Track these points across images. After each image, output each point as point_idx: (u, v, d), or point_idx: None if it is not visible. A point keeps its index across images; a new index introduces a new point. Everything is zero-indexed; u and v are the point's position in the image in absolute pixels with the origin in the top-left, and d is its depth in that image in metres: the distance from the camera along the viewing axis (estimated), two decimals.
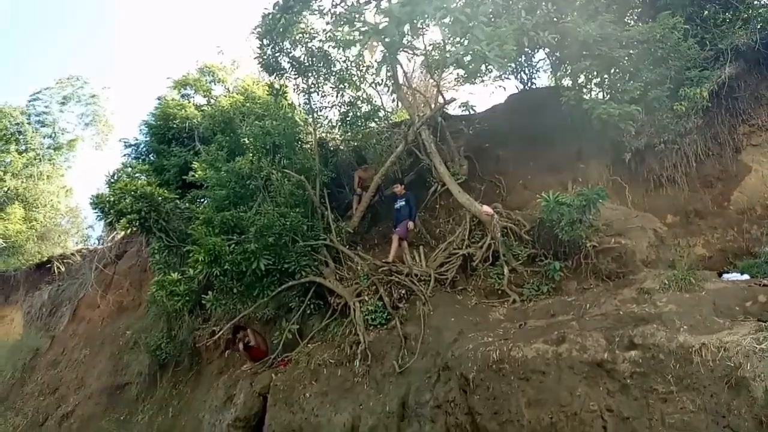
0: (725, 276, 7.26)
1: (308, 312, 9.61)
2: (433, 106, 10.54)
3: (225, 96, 17.46)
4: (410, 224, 9.66)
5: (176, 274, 9.73)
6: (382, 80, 11.94)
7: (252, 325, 10.54)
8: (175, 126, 16.16)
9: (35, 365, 16.54)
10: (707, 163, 9.28)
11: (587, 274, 7.87)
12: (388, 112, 13.41)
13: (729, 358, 5.32)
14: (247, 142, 10.88)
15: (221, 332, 10.59)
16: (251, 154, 10.43)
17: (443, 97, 10.44)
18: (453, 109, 11.93)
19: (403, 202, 9.89)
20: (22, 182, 24.15)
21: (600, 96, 9.87)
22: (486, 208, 8.89)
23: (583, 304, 7.11)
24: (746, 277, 7.12)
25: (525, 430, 5.98)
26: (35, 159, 25.12)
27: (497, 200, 9.82)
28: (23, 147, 24.80)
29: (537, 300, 7.80)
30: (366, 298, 8.90)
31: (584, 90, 9.93)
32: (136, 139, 17.50)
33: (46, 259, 19.63)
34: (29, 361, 16.75)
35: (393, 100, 13.77)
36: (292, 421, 8.11)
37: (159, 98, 17.42)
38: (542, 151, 10.34)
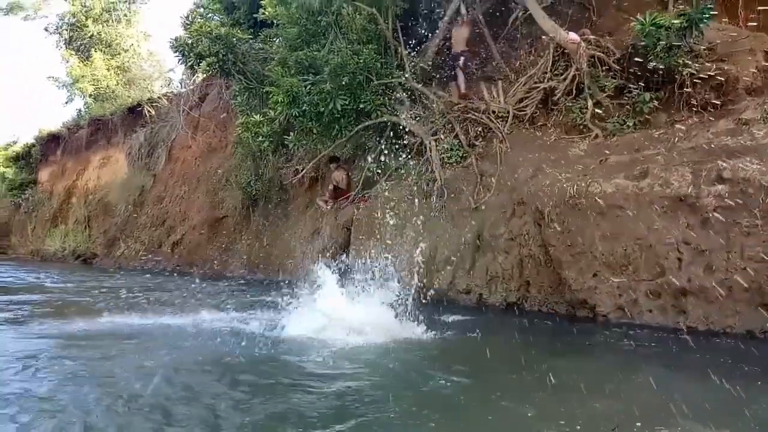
0: None
1: (386, 151, 9.81)
2: None
3: None
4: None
5: (258, 115, 10.07)
6: None
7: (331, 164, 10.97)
8: None
9: (143, 200, 18.54)
10: None
11: (681, 105, 7.35)
12: None
13: None
14: None
15: (304, 171, 11.18)
16: None
17: None
18: None
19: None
20: (103, 26, 24.66)
21: None
22: (572, 36, 8.23)
23: (672, 137, 6.76)
24: None
25: (597, 262, 6.17)
26: (112, 2, 25.25)
27: (586, 26, 8.98)
28: None
29: (621, 135, 7.48)
30: (442, 136, 8.91)
31: None
32: None
33: (136, 103, 20.78)
34: (138, 197, 18.77)
35: None
36: (374, 250, 8.79)
37: None
38: None
